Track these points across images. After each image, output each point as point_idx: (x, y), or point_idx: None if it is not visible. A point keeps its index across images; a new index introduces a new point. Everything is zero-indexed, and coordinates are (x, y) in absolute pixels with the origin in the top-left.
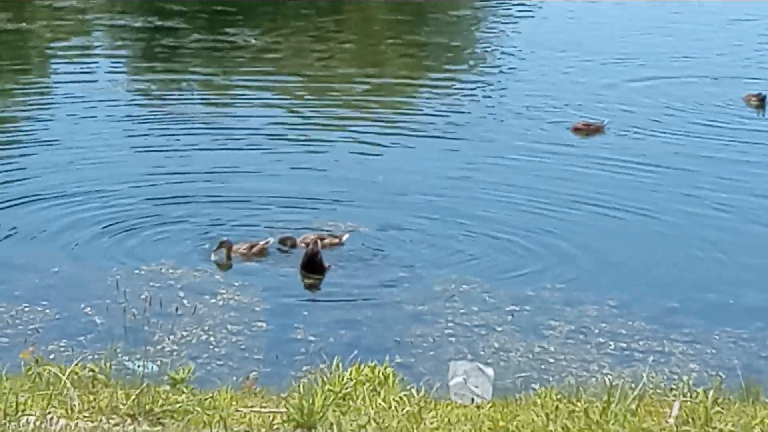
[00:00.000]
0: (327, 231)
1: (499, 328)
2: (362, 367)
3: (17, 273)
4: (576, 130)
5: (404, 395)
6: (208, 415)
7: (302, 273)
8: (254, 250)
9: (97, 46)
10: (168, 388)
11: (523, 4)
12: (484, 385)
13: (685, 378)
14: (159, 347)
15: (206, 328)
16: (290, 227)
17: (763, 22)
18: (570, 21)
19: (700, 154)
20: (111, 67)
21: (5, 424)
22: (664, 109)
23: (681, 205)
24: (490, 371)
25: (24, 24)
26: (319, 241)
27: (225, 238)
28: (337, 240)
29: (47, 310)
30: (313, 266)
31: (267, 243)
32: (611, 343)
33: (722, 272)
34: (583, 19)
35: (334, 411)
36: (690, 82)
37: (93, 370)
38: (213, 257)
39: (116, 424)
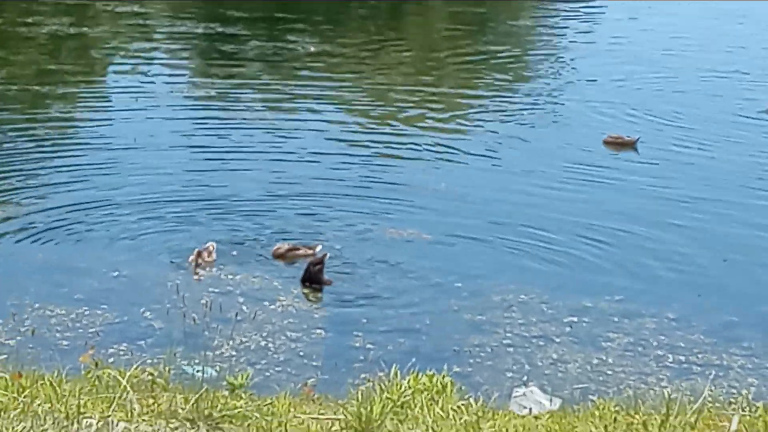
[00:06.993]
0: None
1: (557, 339)
2: (420, 375)
3: (77, 276)
4: (606, 143)
5: (462, 404)
6: (266, 420)
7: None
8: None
9: (158, 52)
10: (226, 393)
11: (586, 10)
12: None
13: (744, 392)
14: (218, 352)
15: (265, 334)
16: (353, 235)
17: None
18: (631, 29)
19: (750, 164)
20: (171, 72)
21: (67, 426)
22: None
23: (738, 219)
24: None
25: (85, 28)
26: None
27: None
28: (311, 251)
29: (107, 314)
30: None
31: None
32: (670, 355)
33: None
34: (644, 27)
35: (392, 419)
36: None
37: (152, 374)
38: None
39: (176, 428)
